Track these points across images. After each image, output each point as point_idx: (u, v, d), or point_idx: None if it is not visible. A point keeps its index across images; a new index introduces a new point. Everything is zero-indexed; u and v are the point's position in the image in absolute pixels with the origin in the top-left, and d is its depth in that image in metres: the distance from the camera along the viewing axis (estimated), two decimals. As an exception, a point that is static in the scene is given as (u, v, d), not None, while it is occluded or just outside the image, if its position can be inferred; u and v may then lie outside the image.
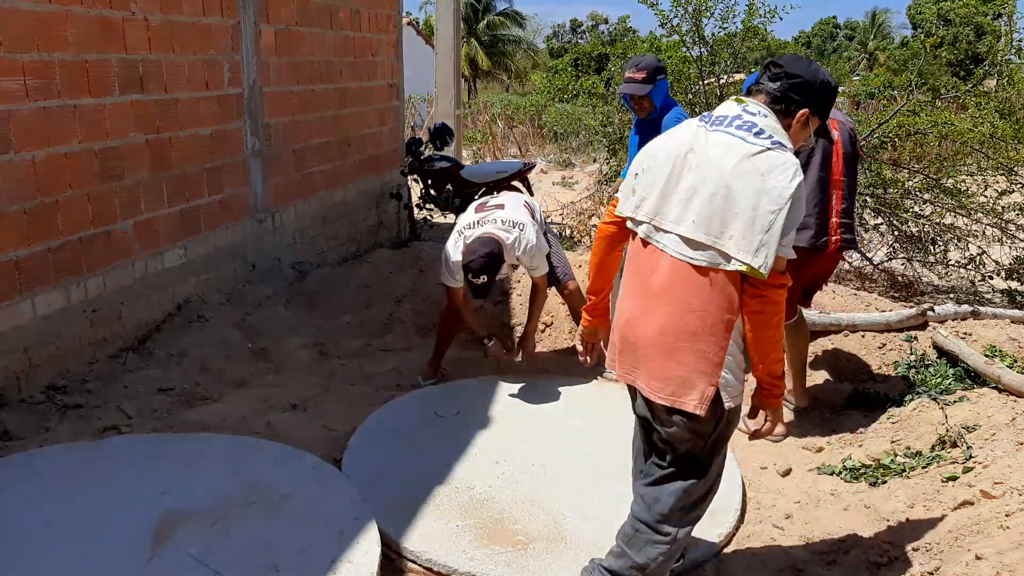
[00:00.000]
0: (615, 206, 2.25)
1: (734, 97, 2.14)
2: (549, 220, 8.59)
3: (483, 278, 3.48)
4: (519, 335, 4.80)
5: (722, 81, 6.72)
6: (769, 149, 1.98)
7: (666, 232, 2.07)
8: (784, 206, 1.93)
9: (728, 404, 2.08)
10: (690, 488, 2.18)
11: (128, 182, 3.95)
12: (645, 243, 2.13)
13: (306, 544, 2.51)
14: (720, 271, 2.00)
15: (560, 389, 4.05)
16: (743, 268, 1.95)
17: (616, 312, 2.26)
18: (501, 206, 3.84)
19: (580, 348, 2.53)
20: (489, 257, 3.50)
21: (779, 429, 2.94)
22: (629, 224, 2.19)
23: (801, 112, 2.08)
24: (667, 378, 2.07)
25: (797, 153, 2.08)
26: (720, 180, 1.98)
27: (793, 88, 2.07)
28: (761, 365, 2.10)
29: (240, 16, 4.74)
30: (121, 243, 3.94)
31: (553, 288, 4.26)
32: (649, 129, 3.81)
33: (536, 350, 4.67)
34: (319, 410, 3.69)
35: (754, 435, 2.25)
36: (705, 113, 2.17)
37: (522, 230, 3.71)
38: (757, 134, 2.01)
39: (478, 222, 3.76)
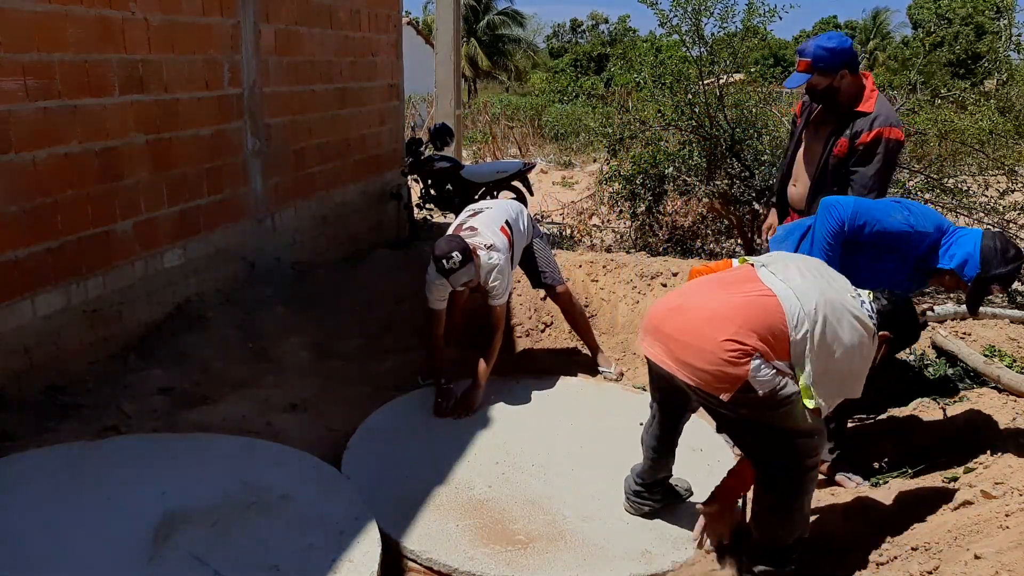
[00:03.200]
0: None
1: (868, 292, 2.53)
2: (549, 220, 8.63)
3: (455, 256, 3.50)
4: (522, 342, 4.81)
5: (722, 81, 6.72)
6: (872, 336, 2.42)
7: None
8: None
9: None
10: None
11: (128, 182, 3.95)
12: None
13: (306, 544, 2.51)
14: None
15: (560, 389, 4.05)
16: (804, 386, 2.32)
17: None
18: (474, 229, 3.81)
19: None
20: (459, 244, 3.56)
21: None
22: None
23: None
24: None
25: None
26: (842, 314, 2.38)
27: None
28: None
29: (240, 16, 4.74)
30: (121, 243, 3.94)
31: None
32: None
33: (537, 348, 4.69)
34: (319, 410, 3.69)
35: None
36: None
37: (490, 251, 3.72)
38: (869, 317, 2.44)
39: None
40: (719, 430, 3.60)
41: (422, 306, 3.90)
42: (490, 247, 3.72)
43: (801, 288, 2.37)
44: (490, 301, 3.78)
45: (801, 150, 3.58)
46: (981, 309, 4.31)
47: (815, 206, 3.48)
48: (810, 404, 2.31)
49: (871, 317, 2.42)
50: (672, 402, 2.73)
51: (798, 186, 3.59)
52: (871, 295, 2.50)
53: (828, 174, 3.40)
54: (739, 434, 2.57)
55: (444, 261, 3.52)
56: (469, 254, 3.56)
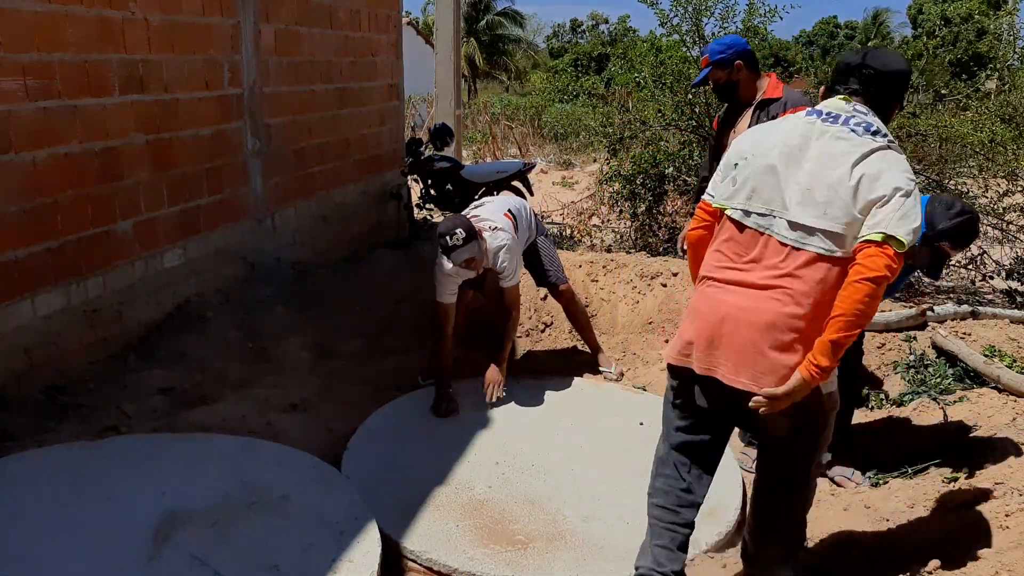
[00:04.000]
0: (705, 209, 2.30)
1: (841, 97, 2.17)
2: (549, 220, 8.63)
3: (459, 232, 3.47)
4: (522, 342, 4.81)
5: (722, 81, 6.72)
6: (888, 148, 2.06)
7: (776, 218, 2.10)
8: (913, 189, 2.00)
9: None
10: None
11: (128, 182, 3.95)
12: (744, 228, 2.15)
13: (306, 544, 2.51)
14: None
15: (560, 389, 4.05)
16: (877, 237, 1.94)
17: None
18: (478, 217, 3.85)
19: None
20: (463, 221, 3.57)
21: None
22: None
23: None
24: None
25: None
26: (847, 169, 2.02)
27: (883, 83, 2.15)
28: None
29: (240, 16, 4.74)
30: (121, 243, 3.94)
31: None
32: None
33: (538, 348, 4.69)
34: (319, 410, 3.69)
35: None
36: (811, 108, 2.19)
37: (495, 231, 3.75)
38: (875, 133, 2.07)
39: None
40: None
41: (431, 301, 3.90)
42: (495, 228, 3.76)
43: (794, 207, 2.05)
44: (502, 283, 3.81)
45: (721, 155, 3.65)
46: (982, 308, 4.32)
47: None
48: (906, 242, 1.96)
49: (865, 125, 2.09)
50: (714, 433, 2.35)
51: None
52: (845, 98, 2.16)
53: None
54: (773, 448, 2.25)
55: (448, 237, 3.50)
56: (473, 232, 3.56)
